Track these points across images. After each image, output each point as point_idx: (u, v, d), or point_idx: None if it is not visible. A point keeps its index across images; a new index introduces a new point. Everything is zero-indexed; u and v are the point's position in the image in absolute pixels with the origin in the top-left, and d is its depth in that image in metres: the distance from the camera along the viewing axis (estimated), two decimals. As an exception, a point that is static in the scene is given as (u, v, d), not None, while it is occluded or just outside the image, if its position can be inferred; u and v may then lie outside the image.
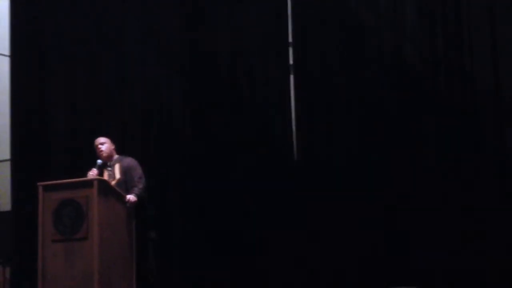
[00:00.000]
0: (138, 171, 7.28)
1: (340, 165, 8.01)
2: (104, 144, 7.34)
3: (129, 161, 7.36)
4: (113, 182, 7.11)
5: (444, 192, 7.57)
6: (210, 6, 8.68)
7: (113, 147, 7.42)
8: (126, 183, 7.17)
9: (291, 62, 8.47)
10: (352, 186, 7.87)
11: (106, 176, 7.16)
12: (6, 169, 9.37)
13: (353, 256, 7.71)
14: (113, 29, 8.98)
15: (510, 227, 7.29)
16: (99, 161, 7.24)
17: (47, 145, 9.03)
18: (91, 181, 6.78)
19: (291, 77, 8.45)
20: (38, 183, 6.92)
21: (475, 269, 7.30)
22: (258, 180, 8.20)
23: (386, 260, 7.59)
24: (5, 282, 8.87)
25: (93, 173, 7.09)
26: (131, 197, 7.03)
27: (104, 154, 7.30)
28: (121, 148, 7.72)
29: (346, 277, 7.71)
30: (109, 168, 7.26)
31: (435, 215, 7.55)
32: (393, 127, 7.85)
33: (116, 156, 7.40)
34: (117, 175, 7.22)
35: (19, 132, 9.13)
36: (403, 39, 7.99)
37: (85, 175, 7.25)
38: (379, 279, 7.55)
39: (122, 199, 6.97)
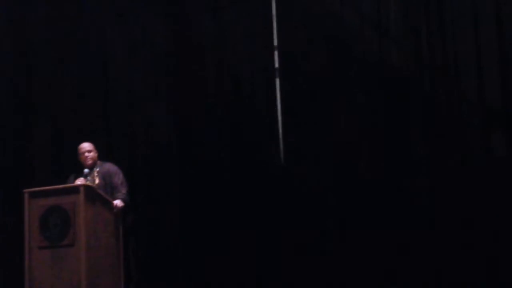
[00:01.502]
0: (119, 176, 7.25)
1: (328, 168, 8.03)
2: (91, 153, 7.33)
3: (109, 166, 7.34)
4: (91, 188, 7.07)
5: (433, 194, 7.60)
6: (195, 11, 8.67)
7: (96, 154, 7.41)
8: (105, 188, 7.15)
9: (276, 65, 8.48)
10: (339, 189, 7.89)
11: (82, 181, 7.11)
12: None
13: (346, 258, 7.71)
14: (99, 31, 8.95)
15: (500, 228, 7.32)
16: (86, 170, 7.23)
17: (32, 151, 8.98)
18: (77, 188, 6.76)
19: (277, 81, 8.46)
20: (24, 190, 6.90)
21: (472, 270, 7.32)
22: (245, 184, 8.21)
23: (381, 261, 7.60)
24: (-8, 289, 8.81)
25: (80, 182, 7.07)
26: (118, 202, 7.02)
27: (90, 162, 7.29)
28: (106, 155, 7.70)
29: (343, 277, 7.71)
30: (89, 174, 7.23)
31: (427, 214, 7.58)
32: (379, 129, 7.87)
33: (98, 162, 7.39)
34: (96, 180, 7.20)
35: (4, 138, 9.07)
36: (388, 41, 8.02)
37: (67, 181, 7.24)
38: (376, 280, 7.56)
39: (108, 205, 6.95)
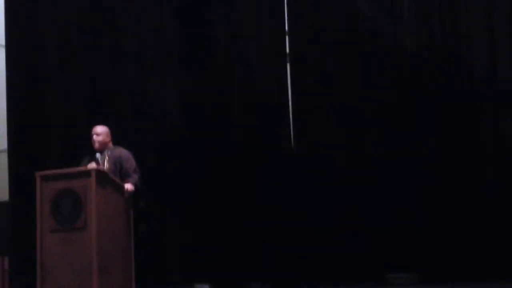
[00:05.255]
0: (131, 162, 7.22)
1: (338, 153, 8.02)
2: (100, 136, 7.27)
3: (120, 151, 7.29)
4: (102, 172, 7.06)
5: (442, 177, 7.59)
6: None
7: (108, 139, 7.35)
8: (115, 173, 7.14)
9: (287, 51, 8.45)
10: (350, 176, 7.88)
11: (94, 166, 7.10)
12: (4, 159, 9.36)
13: (353, 243, 7.73)
14: (109, 21, 8.93)
15: (508, 212, 7.32)
16: (98, 154, 7.22)
17: (44, 134, 9.01)
18: (88, 171, 6.75)
19: (288, 66, 8.44)
20: (36, 173, 6.91)
21: (473, 256, 7.33)
22: (256, 169, 8.20)
23: (385, 247, 7.61)
24: (4, 272, 8.87)
25: (92, 167, 7.07)
26: (129, 186, 7.02)
27: (97, 145, 7.27)
28: (117, 138, 7.70)
29: (346, 264, 7.73)
30: (99, 159, 7.24)
31: (432, 201, 7.58)
32: (390, 115, 7.86)
33: (110, 147, 7.37)
34: (106, 165, 7.18)
35: (15, 122, 9.10)
36: (400, 26, 7.99)
37: (80, 164, 7.25)
38: (380, 266, 7.57)
39: (120, 189, 6.96)
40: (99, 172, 6.78)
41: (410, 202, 7.64)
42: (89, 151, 7.39)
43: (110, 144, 7.39)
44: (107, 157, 7.25)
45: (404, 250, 7.56)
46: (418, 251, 7.52)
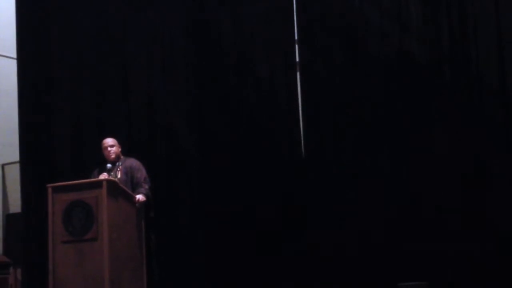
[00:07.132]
0: (142, 172, 7.31)
1: (348, 163, 8.02)
2: (113, 147, 7.41)
3: (132, 161, 7.40)
4: (115, 183, 7.12)
5: (452, 186, 7.57)
6: (215, 4, 8.69)
7: (119, 149, 7.48)
8: (127, 183, 7.20)
9: (297, 59, 8.48)
10: (359, 183, 7.88)
11: (106, 176, 7.17)
12: (16, 171, 9.42)
13: (362, 251, 7.71)
14: (118, 33, 8.98)
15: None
16: (108, 165, 7.30)
17: (55, 146, 9.05)
18: (100, 182, 6.82)
19: (298, 75, 8.46)
20: (47, 185, 6.97)
21: (487, 265, 7.30)
22: (267, 178, 8.21)
23: (396, 255, 7.59)
24: (17, 283, 8.92)
25: (104, 177, 7.13)
26: (140, 197, 7.08)
27: (113, 157, 7.36)
28: (126, 149, 7.76)
29: (357, 272, 7.72)
30: (112, 169, 7.30)
31: (443, 209, 7.56)
32: (400, 123, 7.85)
33: (121, 157, 7.46)
34: (119, 175, 7.25)
35: (27, 134, 9.15)
36: (408, 35, 7.99)
37: (91, 175, 7.31)
38: (390, 274, 7.55)
39: (131, 199, 7.01)
40: (110, 183, 6.83)
41: (420, 210, 7.61)
42: (99, 162, 7.46)
43: (121, 155, 7.49)
44: (119, 168, 7.32)
45: (415, 258, 7.52)
46: (429, 259, 7.48)
